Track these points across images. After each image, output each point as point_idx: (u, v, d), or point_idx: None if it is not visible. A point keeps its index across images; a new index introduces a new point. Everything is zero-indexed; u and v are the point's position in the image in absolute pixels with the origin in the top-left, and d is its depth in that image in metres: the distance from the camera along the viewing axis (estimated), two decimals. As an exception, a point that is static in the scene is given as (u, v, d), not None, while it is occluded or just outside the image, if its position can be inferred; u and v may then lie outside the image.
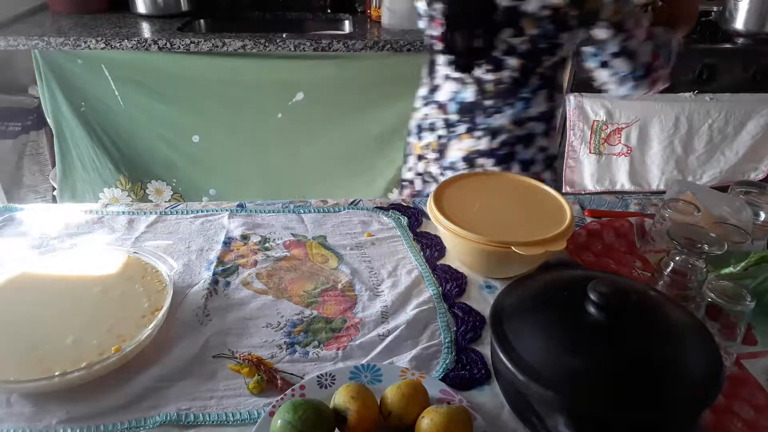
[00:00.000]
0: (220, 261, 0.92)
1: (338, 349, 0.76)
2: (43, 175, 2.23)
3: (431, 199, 0.92)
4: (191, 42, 1.76)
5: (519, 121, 1.14)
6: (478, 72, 1.11)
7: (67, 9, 2.07)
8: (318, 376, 0.69)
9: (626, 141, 2.07)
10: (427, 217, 1.02)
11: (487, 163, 1.17)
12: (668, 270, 0.78)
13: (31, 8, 2.08)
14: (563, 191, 1.61)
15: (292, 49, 1.79)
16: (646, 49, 1.04)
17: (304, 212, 1.07)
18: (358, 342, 0.77)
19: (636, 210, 1.11)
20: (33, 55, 1.80)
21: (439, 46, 1.12)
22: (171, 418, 0.64)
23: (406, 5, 1.96)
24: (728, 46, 2.07)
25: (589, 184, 2.13)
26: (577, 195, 1.45)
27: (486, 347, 0.76)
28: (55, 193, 2.09)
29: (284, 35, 1.82)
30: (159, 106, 1.90)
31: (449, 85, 1.16)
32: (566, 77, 1.61)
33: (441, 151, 1.21)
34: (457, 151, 1.19)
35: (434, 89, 1.20)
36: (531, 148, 1.16)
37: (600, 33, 1.02)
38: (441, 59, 1.16)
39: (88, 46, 1.74)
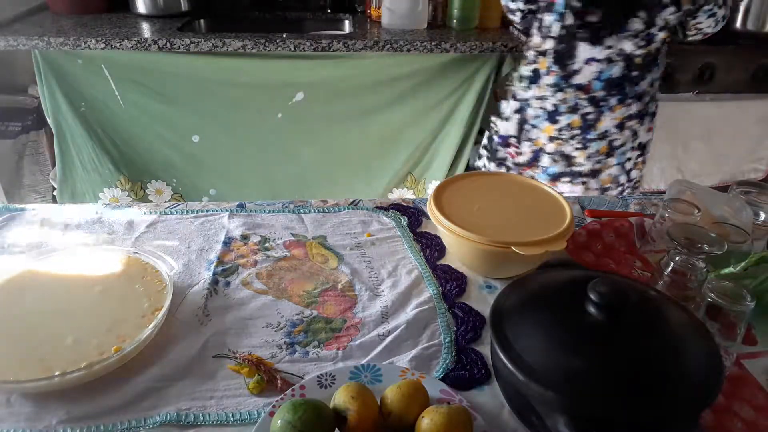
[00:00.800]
0: (220, 261, 0.92)
1: (338, 349, 0.76)
2: (43, 175, 2.23)
3: (431, 199, 0.92)
4: (191, 42, 1.76)
5: (652, 83, 1.42)
6: (629, 48, 1.33)
7: (67, 9, 2.07)
8: (318, 376, 0.69)
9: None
10: (427, 217, 1.02)
11: (634, 124, 1.44)
12: (668, 270, 0.78)
13: (31, 8, 2.08)
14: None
15: (292, 49, 1.79)
16: None
17: (304, 212, 1.07)
18: (358, 342, 0.77)
19: (636, 210, 1.11)
20: (33, 55, 1.80)
21: (583, 33, 1.33)
22: (171, 418, 0.64)
23: (406, 5, 1.96)
24: (728, 46, 2.07)
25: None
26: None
27: (486, 347, 0.76)
28: (55, 193, 2.08)
29: (284, 35, 1.82)
30: (159, 106, 1.90)
31: (592, 68, 1.36)
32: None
33: (588, 126, 1.43)
34: (610, 120, 1.42)
35: (570, 75, 1.39)
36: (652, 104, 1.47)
37: None
38: (582, 44, 1.35)
39: (88, 46, 1.74)
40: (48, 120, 1.92)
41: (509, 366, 0.59)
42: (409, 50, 1.81)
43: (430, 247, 0.97)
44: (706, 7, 1.37)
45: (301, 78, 1.89)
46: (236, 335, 0.78)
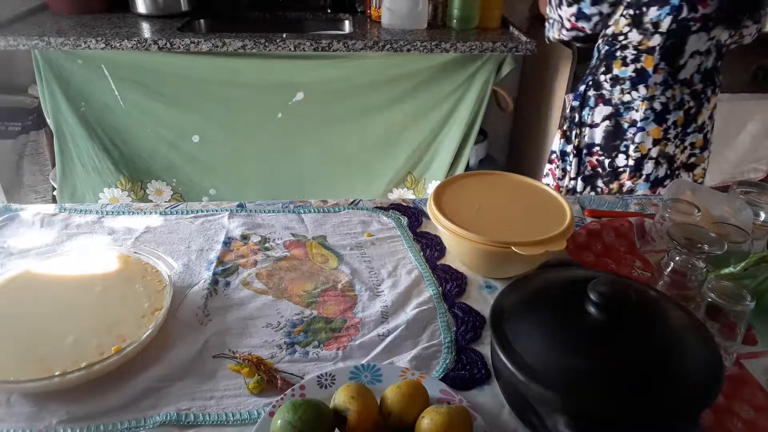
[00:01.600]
0: (220, 261, 0.92)
1: (338, 349, 0.76)
2: (43, 175, 2.23)
3: (431, 199, 0.92)
4: (191, 42, 1.76)
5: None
6: (724, 38, 1.32)
7: (67, 9, 2.07)
8: (318, 376, 0.69)
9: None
10: (427, 217, 1.02)
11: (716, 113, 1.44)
12: (668, 270, 0.78)
13: (31, 8, 2.08)
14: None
15: (292, 49, 1.79)
16: None
17: (304, 212, 1.07)
18: (358, 342, 0.77)
19: (636, 210, 1.11)
20: (33, 55, 1.80)
21: (696, 26, 1.28)
22: (171, 418, 0.64)
23: (406, 5, 1.96)
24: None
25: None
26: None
27: (486, 347, 0.76)
28: (55, 193, 2.08)
29: (284, 35, 1.82)
30: (159, 106, 1.90)
31: (695, 60, 1.33)
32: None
33: (689, 121, 1.39)
34: (706, 111, 1.40)
35: (677, 70, 1.34)
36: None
37: None
38: (692, 36, 1.30)
39: (88, 46, 1.74)
40: (48, 120, 1.92)
41: (509, 366, 0.59)
42: (409, 50, 1.81)
43: (430, 247, 0.97)
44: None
45: (301, 78, 1.89)
46: (236, 335, 0.78)
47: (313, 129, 1.99)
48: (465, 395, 0.68)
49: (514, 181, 1.02)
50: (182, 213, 1.05)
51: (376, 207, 1.09)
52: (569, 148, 1.51)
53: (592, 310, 0.62)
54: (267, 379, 0.69)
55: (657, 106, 1.36)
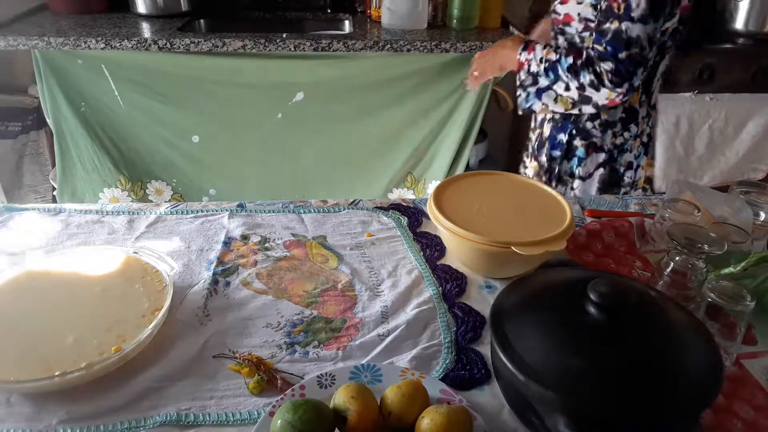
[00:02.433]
0: (220, 261, 0.92)
1: (338, 349, 0.76)
2: (43, 175, 2.23)
3: (431, 199, 0.92)
4: (191, 42, 1.76)
5: None
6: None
7: (67, 9, 2.07)
8: (318, 376, 0.69)
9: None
10: (427, 217, 1.02)
11: None
12: (668, 270, 0.78)
13: (31, 8, 2.07)
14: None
15: (292, 49, 1.79)
16: None
17: (304, 212, 1.07)
18: (358, 342, 0.77)
19: (636, 210, 1.11)
20: (33, 55, 1.80)
21: None
22: (171, 418, 0.64)
23: (406, 5, 1.96)
24: (728, 46, 2.07)
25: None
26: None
27: (486, 347, 0.76)
28: (55, 193, 2.08)
29: (284, 35, 1.82)
30: (159, 106, 1.90)
31: (659, 82, 1.29)
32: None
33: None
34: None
35: (649, 97, 1.29)
36: None
37: None
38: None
39: (88, 46, 1.74)
40: (48, 120, 1.92)
41: (509, 366, 0.59)
42: (409, 50, 1.81)
43: (430, 247, 0.97)
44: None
45: (301, 78, 1.89)
46: (236, 335, 0.78)
47: (313, 129, 1.99)
48: (465, 395, 0.68)
49: (514, 181, 1.02)
50: (182, 213, 1.05)
51: (376, 207, 1.09)
52: None
53: (592, 310, 0.62)
54: (267, 379, 0.69)
55: (645, 138, 1.32)
